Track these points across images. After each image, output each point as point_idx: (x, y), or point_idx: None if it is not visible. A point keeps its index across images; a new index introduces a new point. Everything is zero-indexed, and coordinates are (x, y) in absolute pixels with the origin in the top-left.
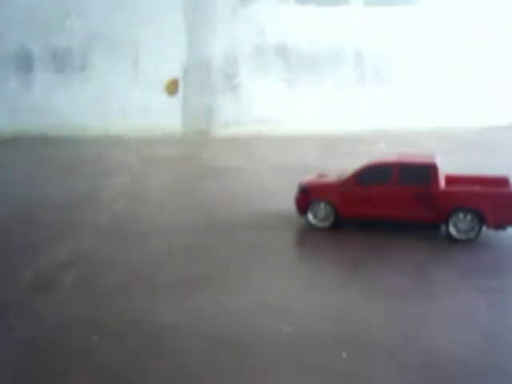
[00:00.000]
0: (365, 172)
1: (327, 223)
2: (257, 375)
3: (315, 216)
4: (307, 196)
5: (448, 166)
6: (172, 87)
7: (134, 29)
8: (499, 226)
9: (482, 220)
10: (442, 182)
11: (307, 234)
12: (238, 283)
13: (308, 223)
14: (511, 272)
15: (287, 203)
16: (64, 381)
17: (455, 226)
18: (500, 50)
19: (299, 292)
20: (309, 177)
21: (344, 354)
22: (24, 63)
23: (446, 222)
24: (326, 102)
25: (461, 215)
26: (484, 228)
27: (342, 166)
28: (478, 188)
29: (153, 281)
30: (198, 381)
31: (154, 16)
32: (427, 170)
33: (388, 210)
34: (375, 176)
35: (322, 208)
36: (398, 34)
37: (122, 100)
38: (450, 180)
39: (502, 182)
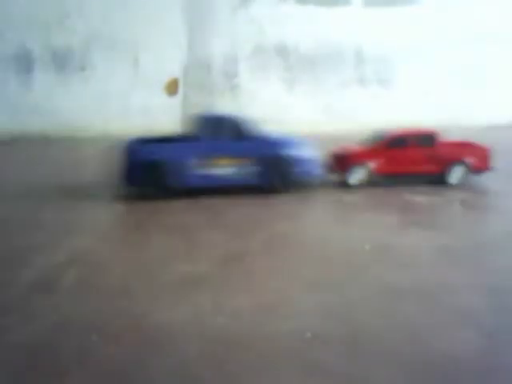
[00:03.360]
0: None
1: (364, 182)
2: (257, 375)
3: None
4: (346, 161)
5: None
6: (172, 87)
7: (134, 29)
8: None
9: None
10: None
11: (307, 233)
12: (237, 283)
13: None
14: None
15: (287, 203)
16: (64, 381)
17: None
18: (500, 50)
19: (299, 292)
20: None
21: (344, 351)
22: (24, 63)
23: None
24: (326, 101)
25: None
26: None
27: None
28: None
29: (153, 281)
30: (197, 381)
31: (154, 16)
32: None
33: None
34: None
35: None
36: (397, 34)
37: (122, 100)
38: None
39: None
